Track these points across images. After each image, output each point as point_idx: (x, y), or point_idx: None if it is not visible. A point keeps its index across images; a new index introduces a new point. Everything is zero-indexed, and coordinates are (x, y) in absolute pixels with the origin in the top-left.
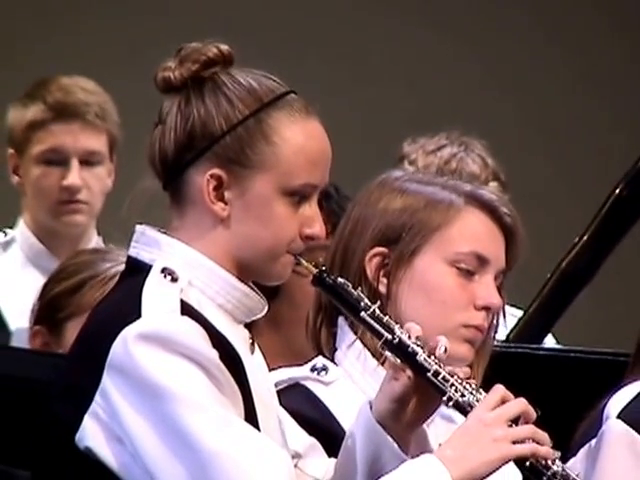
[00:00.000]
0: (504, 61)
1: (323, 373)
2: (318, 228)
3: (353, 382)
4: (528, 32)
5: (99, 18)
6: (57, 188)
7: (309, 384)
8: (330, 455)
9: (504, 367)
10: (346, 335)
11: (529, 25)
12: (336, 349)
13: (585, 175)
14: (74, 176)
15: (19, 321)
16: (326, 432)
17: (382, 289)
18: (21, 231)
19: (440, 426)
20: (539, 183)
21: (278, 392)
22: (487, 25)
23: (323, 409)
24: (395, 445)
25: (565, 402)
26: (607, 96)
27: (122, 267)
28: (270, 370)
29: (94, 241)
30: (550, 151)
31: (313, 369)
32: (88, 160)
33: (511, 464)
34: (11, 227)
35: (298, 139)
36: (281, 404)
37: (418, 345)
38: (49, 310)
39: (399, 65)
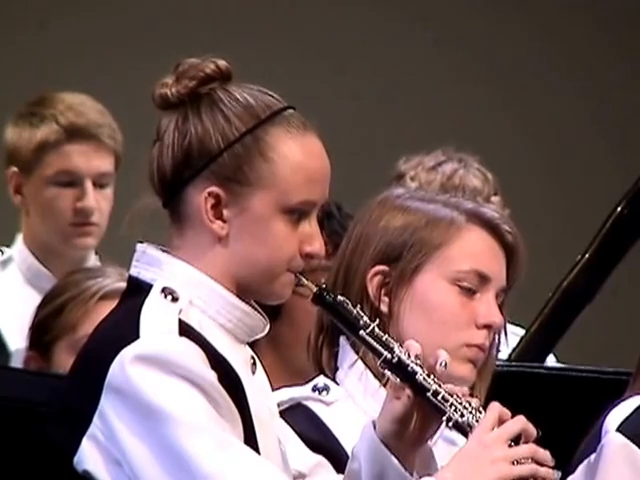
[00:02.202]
0: (503, 78)
1: (324, 393)
2: (318, 245)
3: (354, 402)
4: (528, 47)
5: (92, 29)
6: (71, 210)
7: (310, 404)
8: None
9: (507, 386)
10: (347, 355)
11: (529, 40)
12: (337, 369)
13: (584, 192)
14: (90, 198)
15: (18, 341)
16: (327, 452)
17: (384, 308)
18: (19, 250)
19: (442, 448)
20: (534, 200)
21: (279, 412)
22: (487, 40)
23: (324, 429)
24: (399, 465)
25: (568, 421)
26: (606, 112)
27: (105, 282)
28: (271, 390)
29: (92, 261)
30: (548, 169)
31: (314, 389)
32: (99, 182)
33: None
34: (7, 245)
35: (296, 155)
36: None
37: (417, 364)
38: (37, 334)
39: (398, 81)
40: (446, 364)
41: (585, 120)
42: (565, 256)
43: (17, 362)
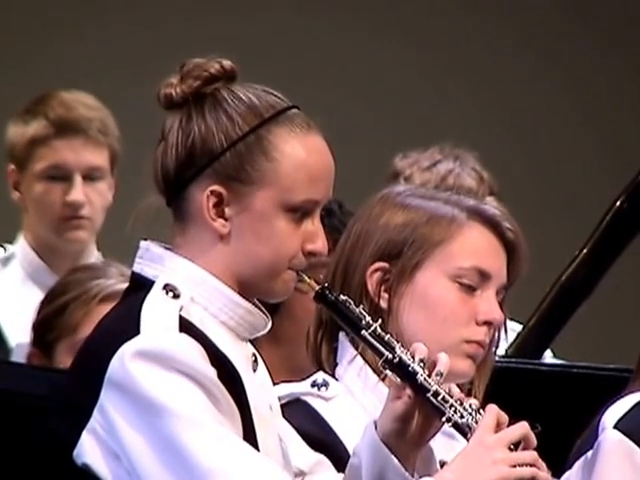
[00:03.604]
0: (496, 80)
1: (324, 389)
2: (320, 244)
3: (354, 398)
4: (521, 52)
5: (99, 31)
6: (60, 204)
7: (310, 399)
8: None
9: (506, 382)
10: (347, 350)
11: (521, 44)
12: (337, 364)
13: (582, 187)
14: (77, 192)
15: (19, 337)
16: (326, 448)
17: (383, 304)
18: (21, 247)
19: (440, 443)
20: (532, 194)
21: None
22: (478, 45)
23: (323, 425)
24: (400, 465)
25: (567, 418)
26: (602, 108)
27: (107, 284)
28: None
29: (94, 257)
30: (546, 164)
31: (314, 384)
32: (90, 175)
33: None
34: (10, 242)
35: (299, 154)
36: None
37: (419, 365)
38: (40, 332)
39: (397, 81)
40: (442, 374)
41: (581, 115)
42: (563, 251)
43: (17, 357)
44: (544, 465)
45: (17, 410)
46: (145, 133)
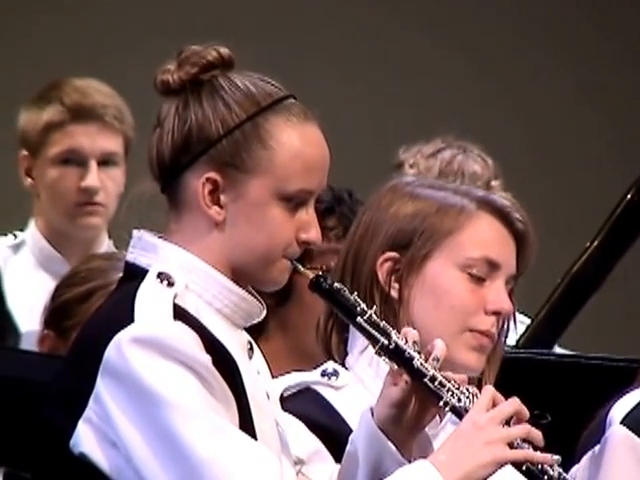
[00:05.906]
0: (506, 73)
1: (334, 378)
2: (314, 233)
3: (364, 387)
4: (525, 39)
5: (99, 18)
6: (75, 189)
7: (320, 389)
8: (340, 460)
9: (514, 373)
10: (357, 340)
11: (533, 36)
12: (347, 354)
13: (593, 179)
14: (93, 177)
15: (29, 324)
16: (336, 437)
17: (394, 294)
18: (32, 234)
19: (449, 432)
20: (543, 187)
21: (288, 396)
22: (485, 32)
23: (333, 414)
24: (396, 451)
25: (575, 408)
26: (612, 101)
27: None
28: (280, 374)
29: (105, 244)
30: (554, 156)
31: (324, 374)
32: (105, 161)
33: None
34: (21, 229)
35: (295, 144)
36: (291, 408)
37: (415, 350)
38: (57, 316)
39: (404, 72)
40: (438, 359)
41: (591, 109)
42: (574, 243)
43: (27, 344)
44: (539, 434)
45: (24, 397)
46: (140, 119)
